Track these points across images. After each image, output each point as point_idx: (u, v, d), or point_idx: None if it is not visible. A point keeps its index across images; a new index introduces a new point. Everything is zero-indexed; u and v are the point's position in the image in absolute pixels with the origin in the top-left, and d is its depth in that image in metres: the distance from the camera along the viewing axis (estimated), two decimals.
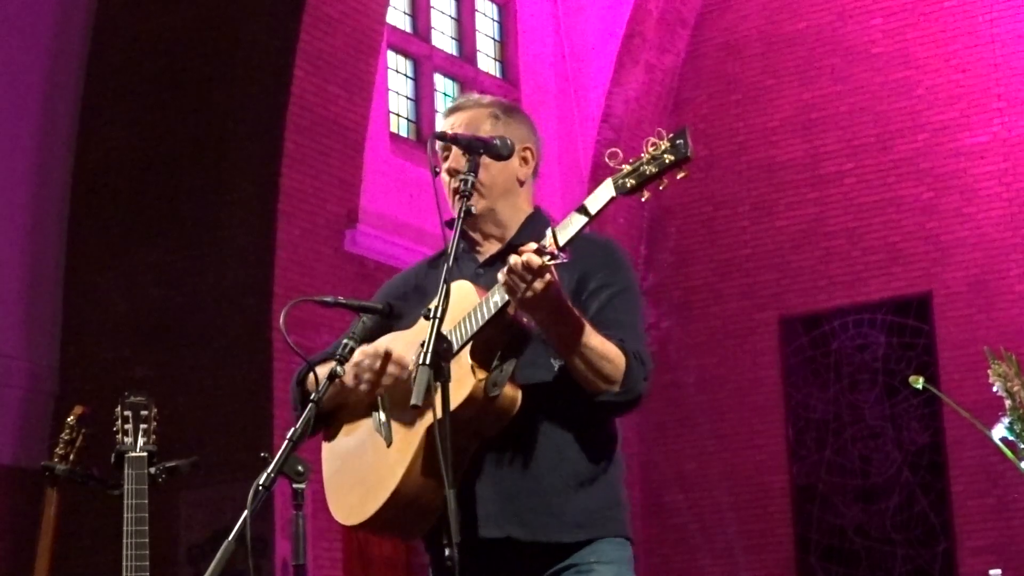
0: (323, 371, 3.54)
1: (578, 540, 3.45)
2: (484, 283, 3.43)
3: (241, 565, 3.49)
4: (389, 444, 3.46)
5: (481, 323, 3.34)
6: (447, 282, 3.25)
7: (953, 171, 13.04)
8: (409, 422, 3.41)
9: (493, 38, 13.86)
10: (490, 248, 3.61)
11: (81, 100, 10.99)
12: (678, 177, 3.24)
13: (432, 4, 13.19)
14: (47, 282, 10.74)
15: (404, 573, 11.74)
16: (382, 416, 3.49)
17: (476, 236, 3.61)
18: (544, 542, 3.44)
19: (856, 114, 13.47)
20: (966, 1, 13.18)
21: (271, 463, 3.36)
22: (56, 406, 10.36)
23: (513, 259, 3.23)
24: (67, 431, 5.56)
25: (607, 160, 3.34)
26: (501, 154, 3.49)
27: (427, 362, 3.16)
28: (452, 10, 13.49)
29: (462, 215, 3.37)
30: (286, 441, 3.41)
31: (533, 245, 3.23)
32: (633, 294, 3.57)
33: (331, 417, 3.62)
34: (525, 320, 3.37)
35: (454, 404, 3.25)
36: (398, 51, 12.71)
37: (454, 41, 13.44)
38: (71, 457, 5.52)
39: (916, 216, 13.11)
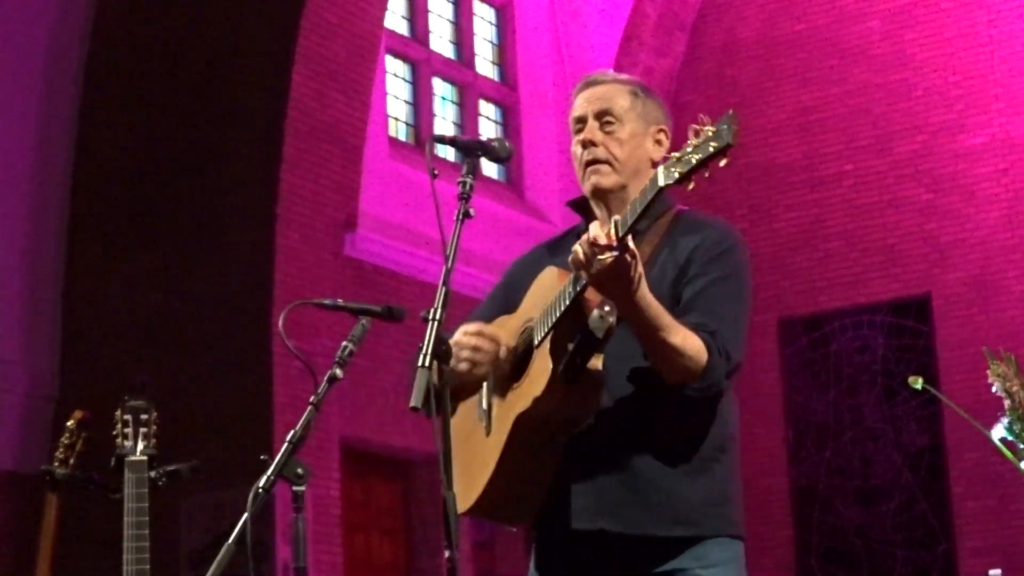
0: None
1: (677, 536, 3.39)
2: None
3: (242, 569, 3.49)
4: (488, 432, 3.45)
5: (561, 311, 3.31)
6: (446, 284, 3.24)
7: (952, 172, 13.05)
8: (508, 408, 3.39)
9: (491, 42, 13.86)
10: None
11: (80, 105, 10.99)
12: (721, 164, 3.17)
13: (430, 8, 13.19)
14: (47, 287, 10.74)
15: None
16: (484, 402, 3.48)
17: (602, 214, 3.55)
18: (639, 535, 3.38)
19: (855, 116, 13.47)
20: (964, 3, 13.19)
21: (271, 466, 3.37)
22: (56, 411, 10.35)
23: (582, 239, 3.20)
24: (67, 435, 5.56)
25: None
26: (500, 157, 3.48)
27: (425, 364, 3.15)
28: (450, 14, 13.50)
29: (461, 217, 3.36)
30: (286, 444, 3.42)
31: (597, 230, 3.18)
32: (736, 282, 3.47)
33: (455, 398, 3.57)
34: (607, 309, 3.29)
35: (536, 394, 3.26)
36: (396, 55, 12.71)
37: (452, 45, 13.44)
38: (71, 461, 5.52)
39: (915, 217, 13.12)
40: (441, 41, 13.29)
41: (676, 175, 3.16)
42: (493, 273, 10.25)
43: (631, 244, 3.17)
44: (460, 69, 13.38)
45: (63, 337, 10.77)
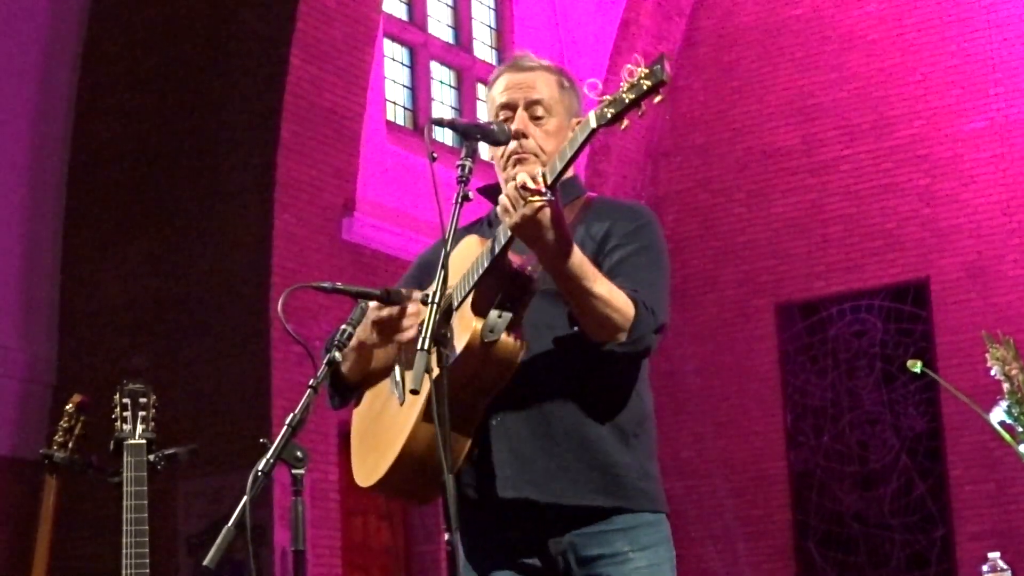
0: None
1: (600, 506, 3.39)
2: (516, 243, 3.35)
3: (240, 553, 3.49)
4: (402, 403, 3.43)
5: (482, 270, 3.31)
6: (444, 267, 3.23)
7: (950, 157, 13.04)
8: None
9: (489, 26, 13.85)
10: None
11: (77, 90, 10.97)
12: (655, 101, 3.18)
13: None
14: (44, 272, 10.74)
15: (403, 561, 11.75)
16: (398, 375, 3.46)
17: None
18: (562, 504, 3.37)
19: (852, 101, 13.47)
20: None
21: (270, 449, 3.37)
22: (54, 396, 10.36)
23: (510, 185, 3.21)
24: (66, 419, 5.56)
25: (586, 92, 3.32)
26: (499, 140, 3.47)
27: (425, 347, 3.14)
28: None
29: (460, 200, 3.33)
30: (285, 427, 3.41)
31: (525, 176, 3.18)
32: (655, 252, 3.48)
33: (360, 387, 3.60)
34: (528, 269, 3.31)
35: (455, 353, 3.24)
36: (394, 39, 12.70)
37: (450, 29, 13.43)
38: (70, 445, 5.51)
39: (913, 202, 13.12)
40: (439, 25, 13.28)
41: (609, 115, 3.16)
42: None
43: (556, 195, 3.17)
44: (458, 53, 13.37)
45: (61, 322, 10.77)
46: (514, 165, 3.53)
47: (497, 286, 3.31)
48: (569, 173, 3.39)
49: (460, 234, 3.55)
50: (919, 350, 12.62)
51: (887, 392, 13.00)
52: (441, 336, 3.19)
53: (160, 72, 10.82)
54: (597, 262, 3.38)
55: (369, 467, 3.49)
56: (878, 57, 13.42)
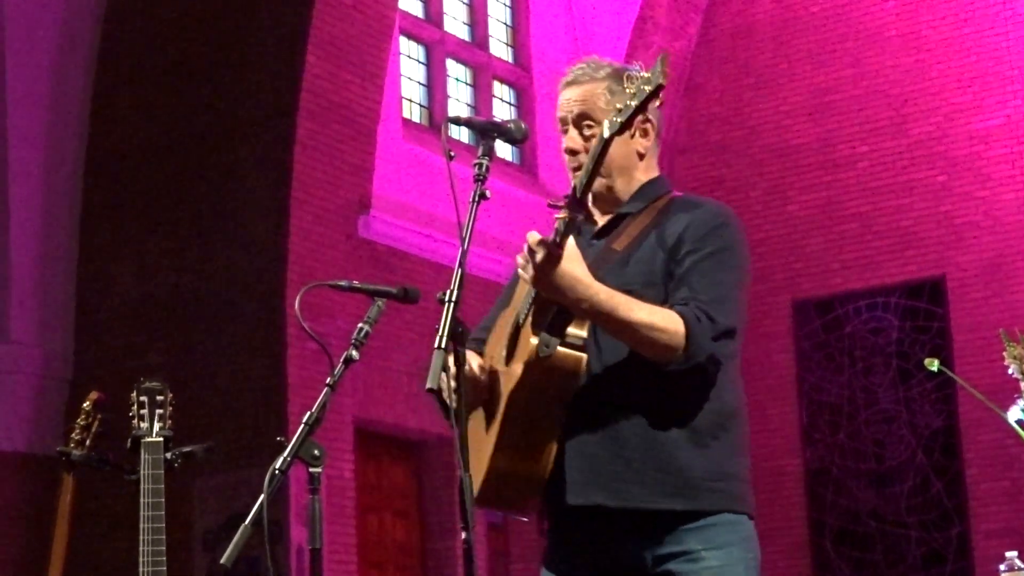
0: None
1: (676, 509, 3.36)
2: (593, 254, 3.42)
3: (256, 550, 3.50)
4: (488, 424, 3.46)
5: (533, 293, 3.36)
6: (462, 266, 3.25)
7: (967, 154, 13.02)
8: (500, 392, 3.40)
9: (505, 23, 13.85)
10: (604, 219, 3.59)
11: (93, 87, 11.00)
12: (655, 106, 3.32)
13: None
14: (61, 269, 10.76)
15: (418, 558, 11.76)
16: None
17: (594, 210, 3.59)
18: (635, 508, 3.36)
19: (869, 97, 13.44)
20: None
21: (287, 447, 3.37)
22: (70, 393, 10.38)
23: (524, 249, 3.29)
24: (83, 416, 5.56)
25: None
26: (515, 138, 3.47)
27: (441, 345, 3.15)
28: None
29: (477, 199, 3.34)
30: (302, 425, 3.42)
31: (536, 235, 3.26)
32: (728, 254, 3.45)
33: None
34: None
35: (520, 371, 3.32)
36: (410, 37, 12.70)
37: (466, 27, 13.43)
38: (87, 442, 5.51)
39: (930, 199, 13.10)
40: (455, 22, 13.28)
41: (618, 124, 3.24)
42: (505, 254, 10.25)
43: (568, 240, 3.27)
44: (474, 51, 13.37)
45: (77, 319, 10.80)
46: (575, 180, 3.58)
47: (551, 301, 3.35)
48: (653, 173, 3.56)
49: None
50: (935, 347, 12.61)
51: (903, 389, 12.98)
52: (459, 334, 3.20)
53: (176, 69, 10.84)
54: (670, 267, 3.40)
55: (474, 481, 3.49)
56: (895, 54, 13.39)
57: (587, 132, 3.53)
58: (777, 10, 13.96)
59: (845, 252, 13.37)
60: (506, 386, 3.38)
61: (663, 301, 3.37)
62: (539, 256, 3.24)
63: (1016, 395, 5.81)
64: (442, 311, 3.21)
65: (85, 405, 5.58)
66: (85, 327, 10.78)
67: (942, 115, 13.14)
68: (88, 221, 10.89)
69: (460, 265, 3.24)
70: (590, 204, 3.54)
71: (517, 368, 3.34)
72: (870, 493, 12.98)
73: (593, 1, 13.93)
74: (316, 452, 3.44)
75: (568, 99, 3.60)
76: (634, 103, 3.21)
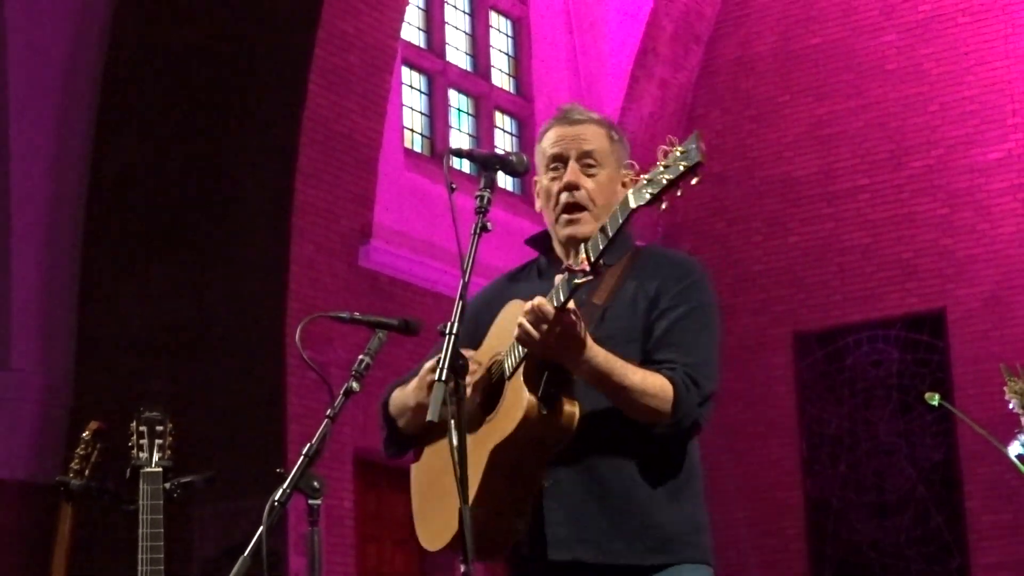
0: (402, 394, 3.58)
1: (652, 564, 3.38)
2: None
3: None
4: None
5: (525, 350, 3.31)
6: (462, 298, 3.24)
7: (967, 187, 13.03)
8: (479, 443, 3.35)
9: (507, 54, 13.87)
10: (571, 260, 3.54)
11: (96, 114, 11.00)
12: (692, 183, 3.19)
13: (446, 20, 13.20)
14: (62, 296, 10.75)
15: None
16: (454, 437, 3.46)
17: (562, 252, 3.56)
18: (615, 565, 3.37)
19: (870, 130, 13.46)
20: (980, 18, 13.18)
21: (287, 479, 3.37)
22: (71, 420, 10.36)
23: (525, 311, 3.23)
24: (82, 446, 5.56)
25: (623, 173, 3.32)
26: (517, 171, 3.44)
27: (442, 378, 3.14)
28: (466, 26, 13.51)
29: (478, 231, 3.34)
30: (302, 456, 3.41)
31: (540, 299, 3.22)
32: (705, 313, 3.46)
33: (418, 439, 3.60)
34: None
35: (512, 427, 3.26)
36: (412, 66, 12.72)
37: (468, 57, 13.45)
38: (86, 472, 5.51)
39: (930, 232, 13.10)
40: (457, 53, 13.31)
41: (647, 196, 3.17)
42: None
43: (572, 305, 3.21)
44: (476, 81, 13.39)
45: (78, 347, 10.78)
46: (566, 224, 3.53)
47: (548, 359, 3.32)
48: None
49: (504, 282, 3.65)
50: (936, 380, 12.59)
51: (904, 422, 12.97)
52: (459, 367, 3.19)
53: (178, 97, 10.85)
54: (649, 319, 3.40)
55: (434, 531, 3.48)
56: (895, 86, 13.42)
57: (589, 172, 3.51)
58: (778, 43, 13.99)
59: (846, 284, 13.37)
60: (489, 434, 3.33)
61: (640, 356, 3.38)
62: (558, 329, 3.20)
63: (1016, 430, 5.81)
64: (443, 342, 3.21)
65: (85, 435, 5.57)
66: (86, 355, 10.76)
67: (943, 148, 13.15)
68: (90, 249, 10.89)
69: (461, 297, 3.25)
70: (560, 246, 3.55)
71: (507, 420, 3.30)
72: (870, 525, 12.96)
73: (595, 32, 13.96)
74: (316, 484, 3.43)
75: (567, 135, 3.56)
76: (668, 176, 3.15)
